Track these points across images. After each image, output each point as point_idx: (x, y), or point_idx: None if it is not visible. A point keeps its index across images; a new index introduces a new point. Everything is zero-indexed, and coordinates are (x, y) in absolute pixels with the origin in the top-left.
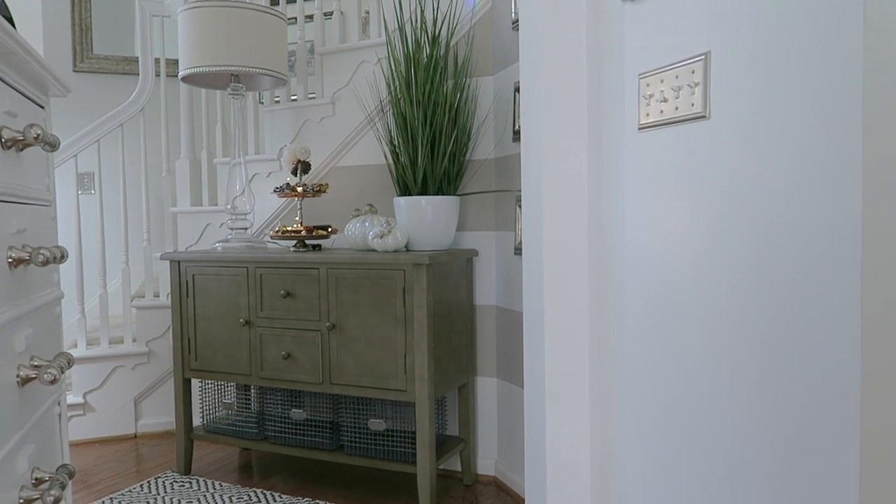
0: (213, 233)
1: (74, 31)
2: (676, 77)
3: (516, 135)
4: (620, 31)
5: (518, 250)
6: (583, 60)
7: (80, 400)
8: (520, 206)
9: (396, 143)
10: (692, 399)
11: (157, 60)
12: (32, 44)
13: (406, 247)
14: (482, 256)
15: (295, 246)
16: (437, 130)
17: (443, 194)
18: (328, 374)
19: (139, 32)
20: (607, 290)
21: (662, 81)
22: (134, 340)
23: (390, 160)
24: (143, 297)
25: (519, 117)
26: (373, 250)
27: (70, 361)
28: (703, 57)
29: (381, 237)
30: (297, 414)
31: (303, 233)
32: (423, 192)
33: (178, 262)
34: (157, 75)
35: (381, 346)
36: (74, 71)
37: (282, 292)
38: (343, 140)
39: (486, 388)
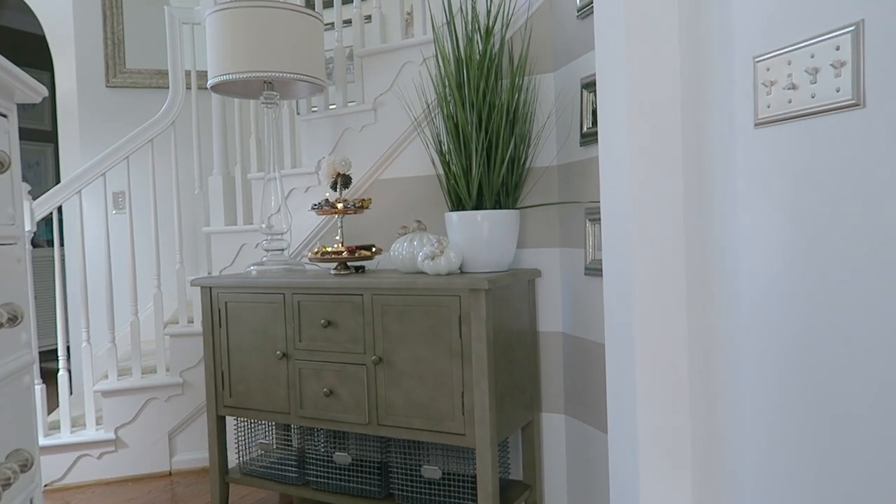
0: (249, 254)
1: (107, 46)
2: (812, 57)
3: (584, 138)
4: (727, 5)
5: (590, 270)
6: (675, 43)
7: (111, 436)
8: (591, 220)
9: (447, 150)
10: (848, 465)
11: (188, 73)
12: (65, 60)
13: (460, 268)
14: (545, 277)
15: (336, 268)
16: (494, 135)
17: (500, 207)
18: (375, 413)
19: (169, 42)
20: (713, 322)
21: (790, 63)
22: (167, 370)
23: (440, 170)
24: (177, 323)
25: (589, 118)
26: (422, 273)
27: (28, 462)
28: (852, 28)
29: (433, 258)
30: (342, 457)
31: (344, 254)
32: (479, 206)
33: (210, 288)
34: (188, 88)
35: (434, 382)
36: (107, 86)
37: (322, 321)
38: (387, 149)
39: (553, 427)
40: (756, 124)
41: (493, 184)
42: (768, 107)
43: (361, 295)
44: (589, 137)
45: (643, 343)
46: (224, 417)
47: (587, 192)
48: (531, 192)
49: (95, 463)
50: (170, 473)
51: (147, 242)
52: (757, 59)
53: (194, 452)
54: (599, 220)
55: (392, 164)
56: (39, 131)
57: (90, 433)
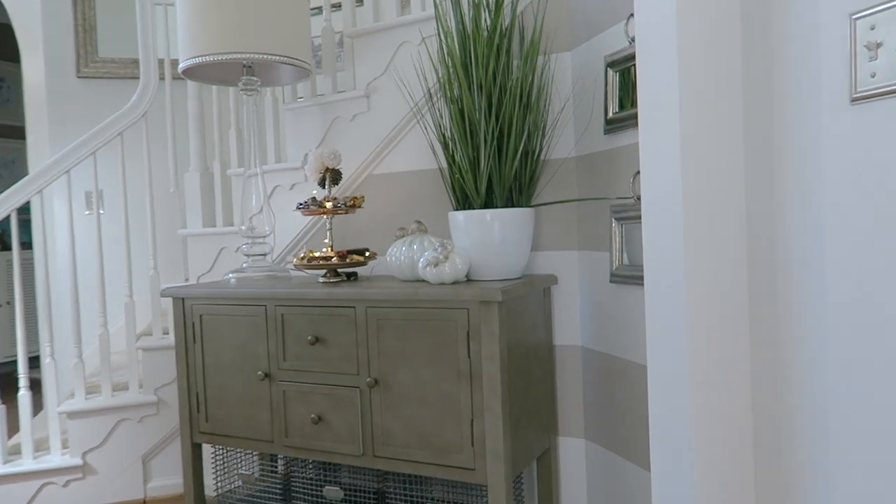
0: (229, 258)
1: (77, 33)
2: None
3: (610, 125)
4: None
5: (617, 277)
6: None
7: (78, 461)
8: (618, 219)
9: (451, 140)
10: None
11: (161, 62)
12: (32, 49)
13: (467, 276)
14: (562, 283)
15: (325, 276)
16: (506, 122)
17: (513, 205)
18: (370, 443)
19: (139, 24)
20: (786, 340)
21: None
22: (141, 387)
23: (443, 163)
24: (151, 335)
25: (615, 101)
26: (424, 281)
27: None
28: None
29: (436, 265)
30: (333, 492)
31: (334, 259)
32: (488, 204)
33: (183, 299)
34: (162, 78)
35: (439, 408)
36: (78, 77)
37: (309, 337)
38: (382, 140)
39: (572, 453)
40: (854, 99)
41: (504, 178)
42: (873, 76)
43: (354, 307)
44: (615, 124)
45: (697, 368)
46: (200, 445)
47: (613, 186)
48: (545, 188)
49: (61, 492)
50: (144, 502)
51: (119, 246)
52: (856, 16)
53: (171, 478)
54: (628, 218)
55: (388, 157)
56: (13, 127)
57: (55, 459)
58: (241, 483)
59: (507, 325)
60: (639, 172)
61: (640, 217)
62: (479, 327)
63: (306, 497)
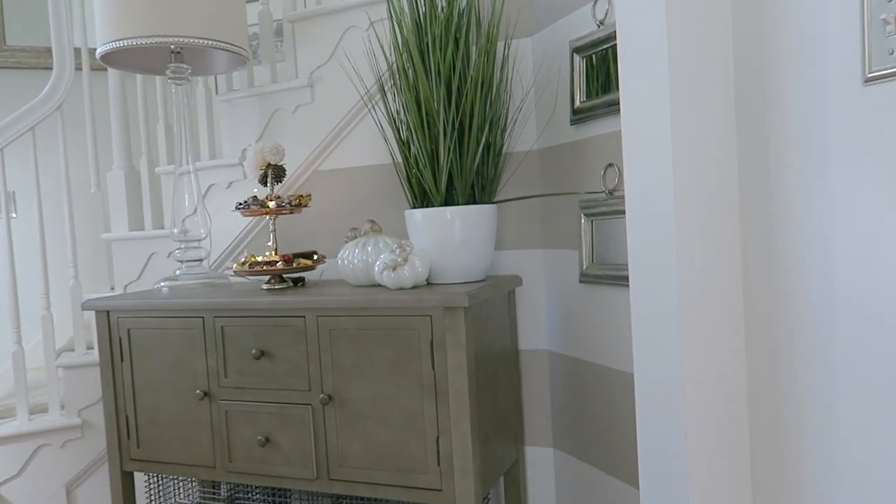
0: (160, 265)
1: None
2: None
3: (577, 115)
4: None
5: (587, 277)
6: None
7: None
8: (588, 215)
9: (407, 133)
10: None
11: (78, 50)
12: None
13: (427, 280)
14: (527, 285)
15: (269, 282)
16: (467, 112)
17: (475, 202)
18: (325, 465)
19: (51, 10)
20: (785, 353)
21: None
22: (63, 409)
23: (398, 157)
24: (73, 350)
25: (582, 90)
26: (379, 286)
27: None
28: None
29: (394, 269)
30: None
31: (279, 264)
32: (449, 202)
33: (107, 312)
34: (79, 68)
35: (400, 425)
36: None
37: (253, 351)
38: (328, 134)
39: (540, 463)
40: (867, 79)
41: (466, 173)
42: (891, 53)
43: (304, 317)
44: (583, 114)
45: (691, 374)
46: (132, 473)
47: (581, 180)
48: (507, 183)
49: None
50: None
51: (36, 253)
52: None
53: None
54: (599, 214)
55: (336, 152)
56: None
57: None
58: None
59: (474, 332)
60: (610, 165)
61: (612, 213)
62: (443, 336)
63: None
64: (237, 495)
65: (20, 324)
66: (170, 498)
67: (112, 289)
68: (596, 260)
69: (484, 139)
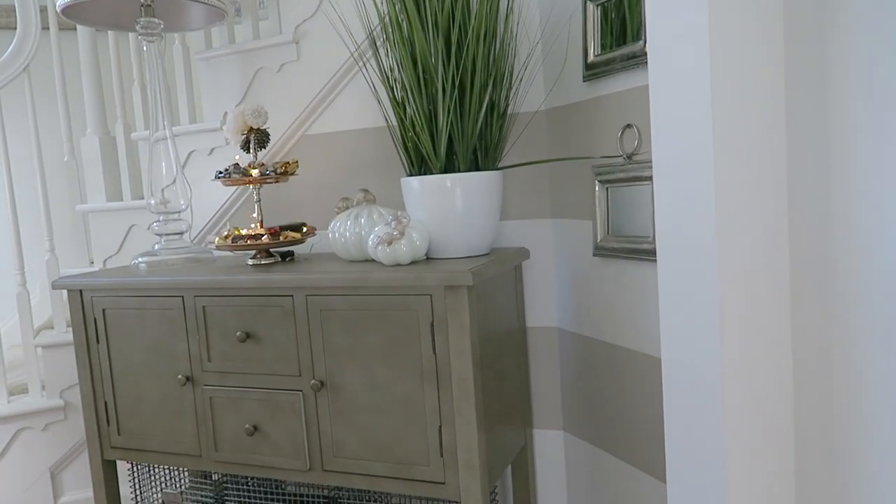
0: (141, 238)
1: None
2: None
3: (591, 70)
4: None
5: (602, 250)
6: None
7: None
8: (602, 182)
9: (402, 92)
10: None
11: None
12: None
13: (426, 254)
14: (535, 257)
15: (254, 257)
16: (469, 68)
17: (478, 169)
18: (318, 456)
19: None
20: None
21: None
22: (43, 390)
23: (393, 120)
24: (52, 328)
25: (596, 42)
26: (373, 261)
27: None
28: None
29: (390, 243)
30: None
31: (264, 238)
32: (449, 168)
33: (80, 291)
34: (46, 27)
35: (399, 414)
36: None
37: (238, 334)
38: (316, 94)
39: (549, 447)
40: None
41: (468, 137)
42: None
43: (292, 296)
44: (597, 69)
45: (730, 360)
46: (114, 462)
47: (595, 143)
48: (512, 147)
49: None
50: None
51: (4, 228)
52: None
53: (86, 490)
54: (616, 181)
55: (324, 114)
56: None
57: None
58: (165, 503)
59: (478, 312)
60: (629, 126)
61: (630, 179)
62: (445, 317)
63: None
64: (227, 484)
65: None
66: (155, 485)
67: (91, 263)
68: (612, 231)
69: (487, 98)
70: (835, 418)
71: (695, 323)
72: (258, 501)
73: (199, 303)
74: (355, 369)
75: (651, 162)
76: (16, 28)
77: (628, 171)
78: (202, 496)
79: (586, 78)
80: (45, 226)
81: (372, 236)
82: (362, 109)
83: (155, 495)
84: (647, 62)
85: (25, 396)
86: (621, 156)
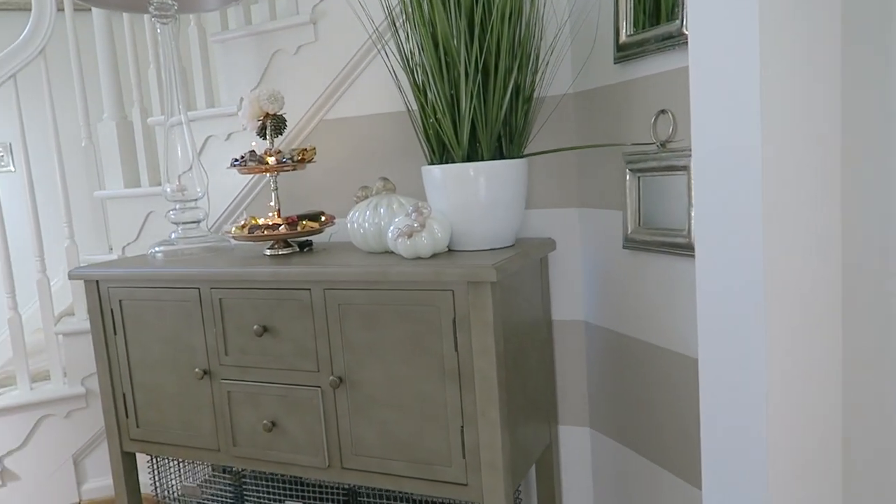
0: (159, 224)
1: None
2: None
3: (622, 52)
4: None
5: (633, 243)
6: None
7: None
8: (633, 171)
9: (423, 77)
10: None
11: None
12: None
13: (448, 246)
14: (560, 248)
15: (272, 247)
16: (493, 50)
17: (503, 156)
18: (337, 453)
19: None
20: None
21: None
22: (65, 377)
23: (414, 105)
24: (73, 315)
25: (628, 21)
26: (391, 252)
27: None
28: None
29: (410, 235)
30: None
31: (282, 227)
32: (472, 156)
33: (97, 282)
34: (61, 9)
35: (419, 412)
36: None
37: (255, 327)
38: (334, 77)
39: (575, 444)
40: None
41: (491, 123)
42: None
43: (309, 290)
44: (630, 50)
45: (775, 363)
46: (133, 454)
47: (625, 129)
48: (538, 133)
49: None
50: None
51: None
52: None
53: (110, 477)
54: (648, 170)
55: (343, 98)
56: None
57: None
58: (183, 495)
59: (502, 308)
60: (663, 112)
61: (663, 169)
62: (467, 314)
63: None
64: (246, 476)
65: (15, 288)
66: (175, 474)
67: (110, 249)
68: (643, 223)
69: (512, 83)
70: (889, 431)
71: (737, 324)
72: (278, 493)
73: (215, 295)
74: (375, 366)
75: (687, 150)
76: (27, 9)
77: (662, 159)
78: (221, 488)
79: (617, 60)
80: (63, 212)
81: (392, 228)
82: (382, 93)
83: (175, 484)
84: (683, 43)
85: (48, 384)
86: (654, 143)
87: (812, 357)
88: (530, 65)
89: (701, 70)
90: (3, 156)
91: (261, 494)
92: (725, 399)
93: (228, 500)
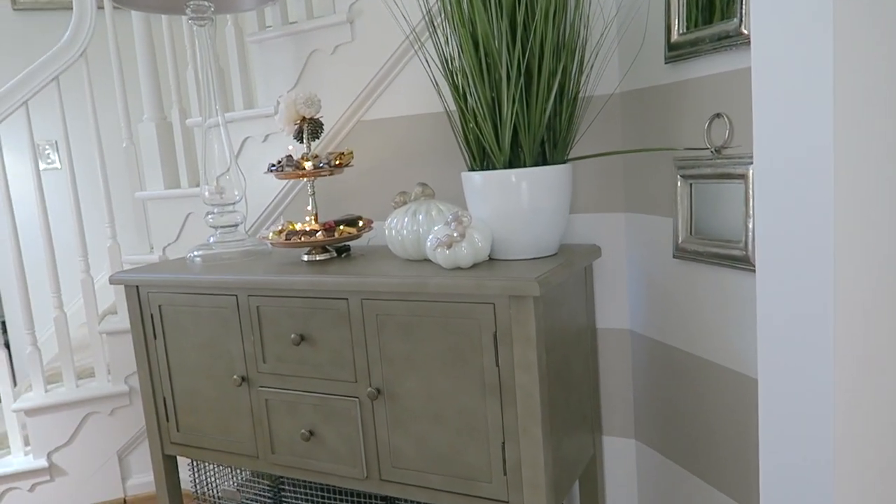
0: (198, 226)
1: None
2: None
3: (674, 51)
4: None
5: (684, 253)
6: None
7: (43, 463)
8: (685, 178)
9: (462, 77)
10: None
11: None
12: None
13: (489, 256)
14: (606, 255)
15: (310, 253)
16: (536, 52)
17: (546, 162)
18: (375, 464)
19: None
20: None
21: None
22: (109, 374)
23: (452, 105)
24: (116, 314)
25: (681, 19)
26: (430, 260)
27: None
28: None
29: (449, 247)
30: None
31: (319, 234)
32: (514, 162)
33: (137, 286)
34: (101, 7)
35: (459, 426)
36: (14, 9)
37: (292, 336)
38: (372, 77)
39: (620, 456)
40: None
41: (534, 128)
42: None
43: (346, 299)
44: (682, 49)
45: (849, 394)
46: (174, 457)
47: (676, 132)
48: (583, 135)
49: (28, 497)
50: (125, 501)
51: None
52: None
53: (152, 474)
54: (701, 177)
55: (381, 99)
56: None
57: (17, 461)
58: (223, 498)
59: (546, 322)
60: (718, 116)
61: (718, 176)
62: (509, 328)
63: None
64: (284, 484)
65: (60, 287)
66: (214, 476)
67: (151, 249)
68: (696, 232)
69: (556, 85)
70: None
71: (802, 348)
72: (316, 499)
73: (252, 302)
74: (413, 378)
75: (746, 158)
76: (63, 7)
77: (716, 166)
78: (259, 492)
79: (669, 59)
80: (106, 212)
81: (431, 237)
82: (421, 94)
83: (214, 482)
84: (742, 43)
85: (92, 381)
86: (708, 148)
87: (881, 385)
88: (575, 66)
89: (765, 72)
90: (49, 153)
91: (299, 499)
92: (788, 428)
93: (272, 498)
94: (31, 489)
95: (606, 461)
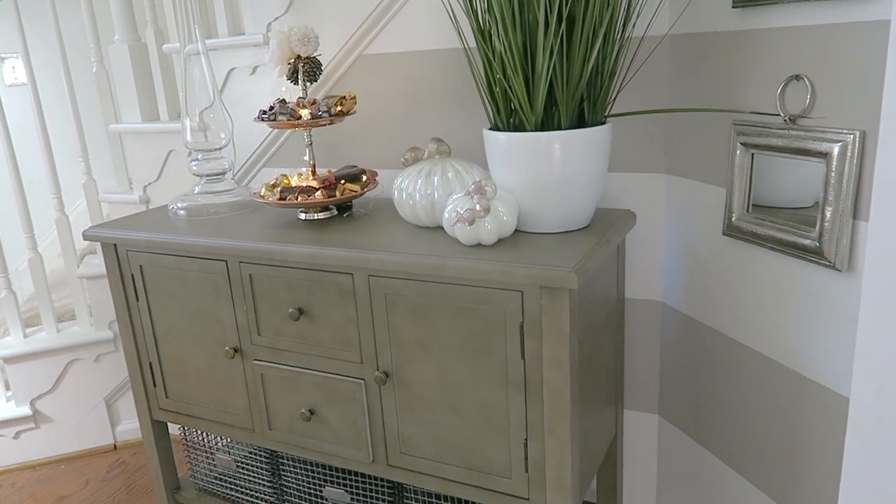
0: (181, 165)
1: None
2: None
3: None
4: None
5: (737, 232)
6: None
7: (26, 411)
8: (746, 146)
9: (489, 15)
10: None
11: None
12: None
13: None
14: (641, 219)
15: (307, 212)
16: None
17: (583, 122)
18: (383, 450)
19: None
20: None
21: None
22: (92, 319)
23: (471, 42)
24: (95, 253)
25: None
26: (441, 227)
27: None
28: None
29: (471, 223)
30: (336, 494)
31: (318, 193)
32: (547, 122)
33: (114, 245)
34: None
35: (477, 418)
36: None
37: (290, 310)
38: (378, 3)
39: (640, 431)
40: None
41: (573, 84)
42: None
43: (351, 274)
44: None
45: None
46: (164, 423)
47: (739, 91)
48: (626, 85)
49: (12, 444)
50: (115, 447)
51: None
52: None
53: None
54: (768, 148)
55: (387, 30)
56: None
57: None
58: (218, 467)
59: (579, 313)
60: (797, 77)
61: (790, 150)
62: (538, 318)
63: (302, 494)
64: (284, 458)
65: (33, 227)
66: (208, 439)
67: (130, 185)
68: (753, 210)
69: (604, 28)
70: None
71: None
72: (316, 475)
73: (244, 270)
74: (426, 364)
75: (830, 131)
76: None
77: (790, 138)
78: (257, 464)
79: (738, 2)
80: (78, 145)
81: (449, 208)
82: (435, 25)
83: (209, 449)
84: None
85: (74, 325)
86: (780, 115)
87: None
88: (622, 6)
89: None
90: (14, 67)
91: (298, 475)
92: (881, 455)
93: (265, 478)
94: (16, 436)
95: (626, 436)
